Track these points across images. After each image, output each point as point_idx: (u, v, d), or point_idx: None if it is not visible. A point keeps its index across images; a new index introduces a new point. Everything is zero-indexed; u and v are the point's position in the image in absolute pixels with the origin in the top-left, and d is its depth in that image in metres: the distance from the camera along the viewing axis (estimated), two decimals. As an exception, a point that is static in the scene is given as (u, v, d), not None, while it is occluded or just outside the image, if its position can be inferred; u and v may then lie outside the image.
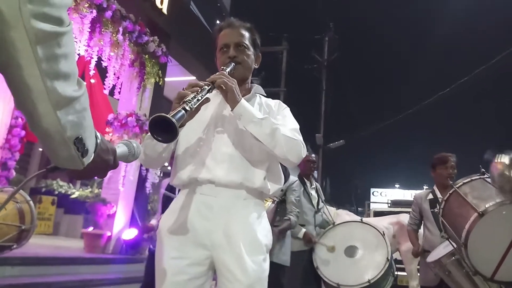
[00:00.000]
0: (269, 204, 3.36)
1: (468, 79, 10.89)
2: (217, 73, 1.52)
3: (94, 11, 5.33)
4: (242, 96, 1.54)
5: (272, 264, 1.79)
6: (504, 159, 2.25)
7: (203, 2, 11.44)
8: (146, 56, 6.58)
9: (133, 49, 6.30)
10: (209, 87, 1.41)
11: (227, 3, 14.75)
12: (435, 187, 3.56)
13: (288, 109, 1.74)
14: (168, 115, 1.14)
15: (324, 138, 15.21)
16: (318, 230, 3.93)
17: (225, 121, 1.61)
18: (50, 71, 0.68)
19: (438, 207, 2.80)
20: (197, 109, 1.35)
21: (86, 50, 5.51)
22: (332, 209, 5.36)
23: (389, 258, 3.61)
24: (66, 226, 9.12)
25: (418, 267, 3.92)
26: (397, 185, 32.88)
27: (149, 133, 1.23)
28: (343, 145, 15.44)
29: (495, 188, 2.33)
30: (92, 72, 5.94)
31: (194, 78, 8.76)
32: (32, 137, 5.43)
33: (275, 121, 1.54)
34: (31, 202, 3.76)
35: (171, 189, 3.42)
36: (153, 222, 3.75)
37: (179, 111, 1.20)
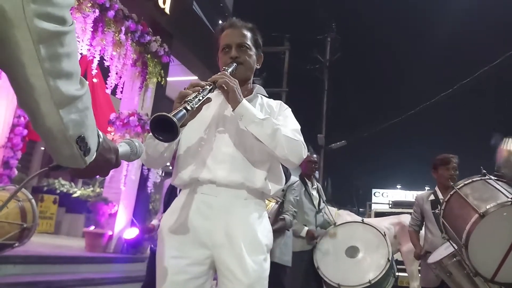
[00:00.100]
0: (272, 204, 3.36)
1: (470, 79, 10.87)
2: (219, 73, 1.52)
3: (97, 10, 5.34)
4: (244, 97, 1.54)
5: (274, 265, 1.80)
6: (510, 145, 2.24)
7: (206, 2, 11.45)
8: (148, 56, 6.59)
9: (136, 48, 6.31)
10: (211, 87, 1.41)
11: (230, 3, 14.77)
12: (436, 188, 3.56)
13: (289, 109, 1.74)
14: (169, 115, 1.14)
15: (325, 139, 15.20)
16: (319, 231, 3.93)
17: (226, 121, 1.61)
18: (53, 70, 0.69)
19: (439, 208, 2.80)
20: (199, 109, 1.36)
21: (89, 50, 5.52)
22: (333, 210, 5.36)
23: (390, 258, 3.61)
24: (67, 225, 9.14)
25: (419, 268, 3.92)
26: (398, 186, 32.91)
27: (150, 133, 1.23)
28: (344, 146, 15.41)
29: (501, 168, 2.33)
30: (94, 72, 5.93)
31: (196, 78, 8.76)
32: (35, 136, 5.45)
33: (276, 122, 1.54)
34: (33, 201, 3.78)
35: (172, 189, 3.42)
36: (154, 222, 3.75)
37: (180, 110, 1.20)
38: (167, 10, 7.28)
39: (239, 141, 1.57)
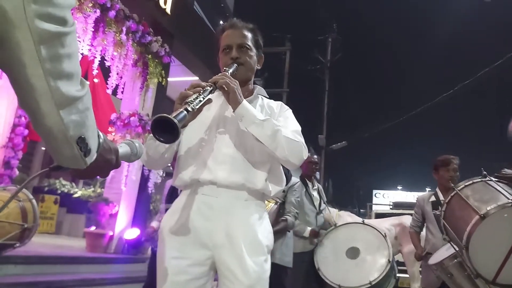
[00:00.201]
0: (271, 205, 3.36)
1: (472, 80, 10.87)
2: (220, 74, 1.52)
3: (98, 10, 5.35)
4: (244, 97, 1.54)
5: (275, 265, 1.80)
6: None
7: (207, 3, 11.47)
8: (149, 56, 6.59)
9: (136, 49, 6.32)
10: (211, 88, 1.41)
11: (231, 4, 14.79)
12: (437, 189, 3.55)
13: (290, 110, 1.74)
14: (170, 116, 1.14)
15: (326, 139, 15.21)
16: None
17: (227, 122, 1.61)
18: (54, 70, 0.69)
19: (440, 210, 2.80)
20: (199, 109, 1.36)
21: (90, 50, 5.53)
22: (334, 211, 5.36)
23: (391, 259, 3.61)
24: (68, 225, 9.15)
25: (420, 269, 3.92)
26: (399, 187, 32.88)
27: (151, 134, 1.23)
28: (345, 147, 15.43)
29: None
30: (95, 72, 5.94)
31: (197, 78, 8.76)
32: (35, 136, 5.46)
33: (277, 123, 1.53)
34: (33, 201, 3.78)
35: (173, 190, 3.42)
36: (153, 224, 3.74)
37: (181, 111, 1.20)
38: (168, 11, 7.29)
39: (240, 142, 1.57)
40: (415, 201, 3.76)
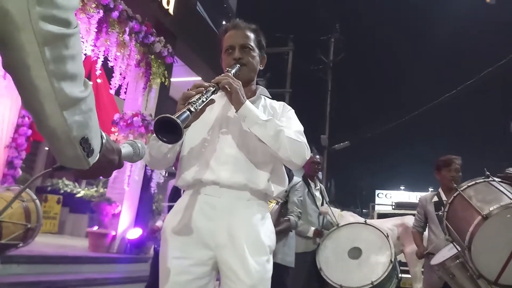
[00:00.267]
0: (273, 205, 3.36)
1: (475, 80, 10.84)
2: (222, 74, 1.52)
3: (101, 11, 5.37)
4: (247, 98, 1.54)
5: (277, 265, 1.80)
6: None
7: (210, 3, 11.47)
8: (152, 57, 6.61)
9: (139, 49, 6.34)
10: (214, 88, 1.41)
11: (233, 4, 14.79)
12: (440, 190, 3.55)
13: (292, 111, 1.74)
14: (173, 116, 1.14)
15: (329, 140, 15.20)
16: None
17: (230, 123, 1.61)
18: (57, 72, 0.70)
19: (442, 210, 2.80)
20: (202, 110, 1.36)
21: (93, 50, 5.55)
22: (336, 211, 5.35)
23: (393, 260, 3.60)
24: (71, 225, 9.18)
25: (423, 269, 3.91)
26: (402, 187, 32.80)
27: (154, 134, 1.23)
28: (348, 147, 15.42)
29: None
30: (98, 72, 5.98)
31: (199, 78, 8.78)
32: (39, 136, 5.47)
33: (279, 123, 1.54)
34: (37, 201, 3.79)
35: (176, 190, 3.43)
36: (158, 223, 3.75)
37: (184, 112, 1.20)
38: (171, 11, 7.31)
39: (242, 142, 1.57)
40: (418, 201, 3.75)
